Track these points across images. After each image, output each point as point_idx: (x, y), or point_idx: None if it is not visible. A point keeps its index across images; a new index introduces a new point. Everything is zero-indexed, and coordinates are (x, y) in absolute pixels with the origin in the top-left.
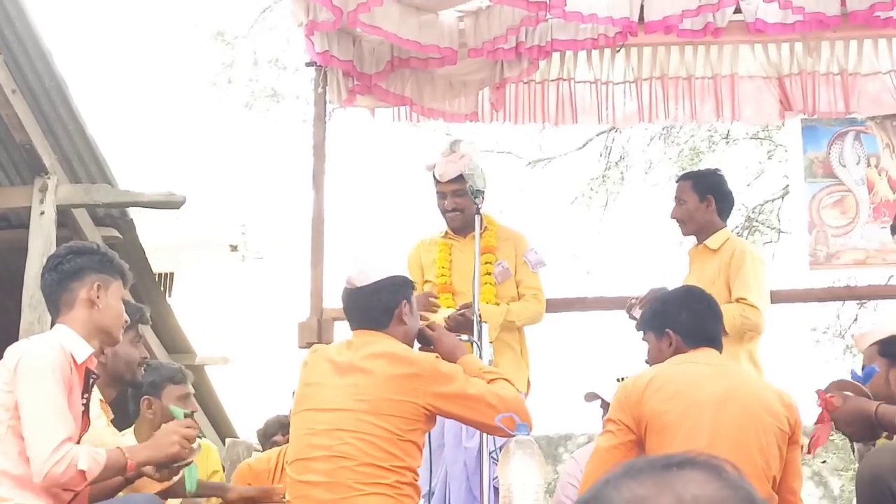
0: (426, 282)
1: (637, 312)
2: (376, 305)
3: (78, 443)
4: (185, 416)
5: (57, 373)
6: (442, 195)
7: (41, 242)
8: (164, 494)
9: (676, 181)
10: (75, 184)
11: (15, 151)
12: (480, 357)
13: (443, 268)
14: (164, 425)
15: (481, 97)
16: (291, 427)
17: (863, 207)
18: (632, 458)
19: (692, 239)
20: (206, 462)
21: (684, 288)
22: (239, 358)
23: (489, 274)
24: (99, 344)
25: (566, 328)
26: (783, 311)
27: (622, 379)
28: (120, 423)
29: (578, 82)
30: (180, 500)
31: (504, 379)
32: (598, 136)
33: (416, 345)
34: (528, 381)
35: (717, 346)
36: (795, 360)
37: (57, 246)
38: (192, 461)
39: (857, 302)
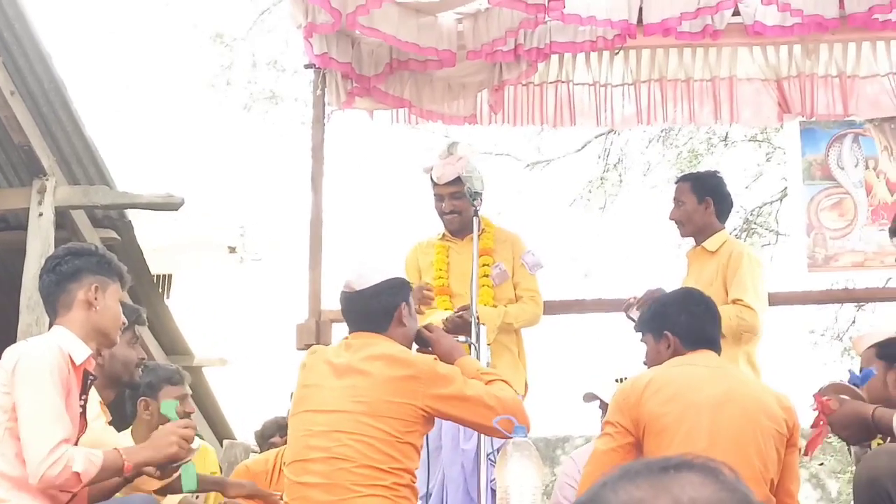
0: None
1: (634, 313)
2: (376, 308)
3: (76, 444)
4: (177, 410)
5: (55, 374)
6: (439, 197)
7: (39, 244)
8: (163, 491)
9: (675, 183)
10: (74, 185)
11: (13, 153)
12: (478, 359)
13: (440, 270)
14: (161, 426)
15: (480, 99)
16: (289, 428)
17: (861, 210)
18: (630, 461)
19: (690, 241)
20: (204, 464)
21: (683, 290)
22: (237, 359)
23: (486, 276)
24: (96, 346)
25: (564, 330)
26: (781, 313)
27: (621, 380)
28: (117, 424)
29: (577, 84)
30: (179, 496)
31: (502, 380)
32: (596, 138)
33: (414, 346)
34: (526, 383)
35: (716, 348)
36: (793, 363)
37: (55, 247)
38: (190, 460)
39: (855, 304)
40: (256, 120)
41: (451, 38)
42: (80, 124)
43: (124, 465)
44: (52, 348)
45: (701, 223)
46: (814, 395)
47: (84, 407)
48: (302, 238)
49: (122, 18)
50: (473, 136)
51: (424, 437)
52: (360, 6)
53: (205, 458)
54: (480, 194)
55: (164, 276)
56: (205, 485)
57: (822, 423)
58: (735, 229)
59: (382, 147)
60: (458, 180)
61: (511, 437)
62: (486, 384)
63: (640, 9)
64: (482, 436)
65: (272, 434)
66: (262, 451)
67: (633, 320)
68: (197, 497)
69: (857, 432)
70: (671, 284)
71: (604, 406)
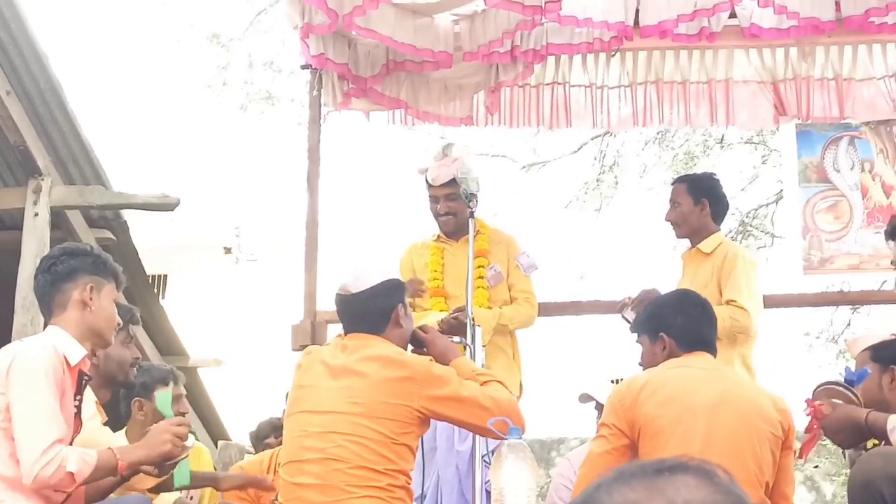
0: None
1: (629, 313)
2: (373, 310)
3: (70, 444)
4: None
5: (49, 375)
6: (434, 199)
7: (35, 244)
8: (157, 489)
9: (672, 184)
10: (69, 185)
11: (9, 153)
12: (473, 360)
13: (435, 272)
14: (155, 424)
15: (476, 101)
16: (285, 429)
17: (857, 212)
18: (624, 463)
19: (686, 243)
20: (198, 464)
21: (680, 292)
22: (232, 360)
23: (481, 278)
24: (91, 346)
25: (560, 332)
26: (776, 315)
27: (617, 381)
28: (112, 424)
29: (573, 86)
30: (174, 495)
31: (497, 381)
32: (592, 139)
33: (409, 347)
34: (521, 385)
35: (712, 350)
36: (789, 365)
37: (51, 247)
38: (185, 457)
39: (851, 307)
40: (253, 120)
41: (447, 39)
42: (75, 124)
43: (118, 464)
44: (46, 349)
45: (696, 225)
46: (806, 400)
47: (79, 407)
48: (298, 239)
49: (118, 19)
50: (470, 138)
51: (420, 438)
52: (356, 7)
53: (199, 458)
54: (476, 196)
55: (159, 276)
56: (197, 481)
57: (815, 427)
58: (731, 231)
59: (378, 148)
60: (453, 182)
61: (506, 439)
62: (481, 385)
63: (637, 11)
64: (477, 437)
65: (267, 435)
66: (256, 452)
67: (628, 320)
68: (191, 498)
69: (851, 436)
70: (666, 286)
71: (599, 407)
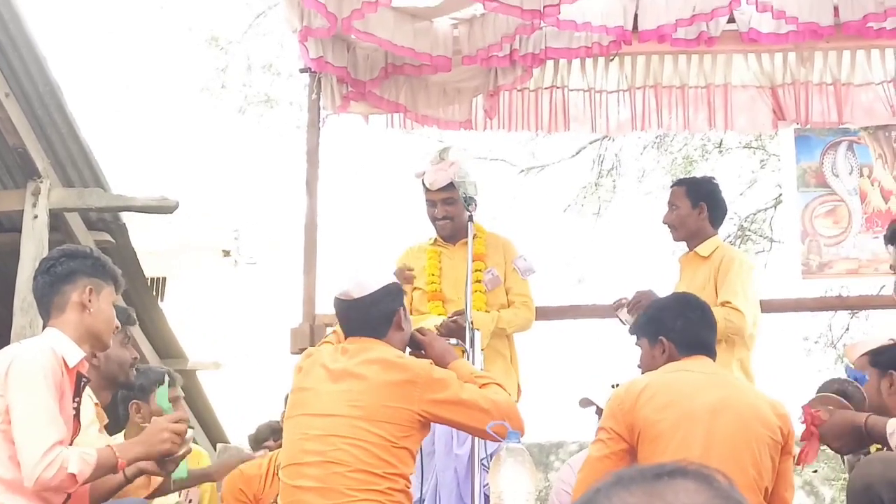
0: (416, 289)
1: (623, 313)
2: (375, 315)
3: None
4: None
5: (48, 377)
6: (432, 203)
7: (33, 246)
8: (153, 496)
9: (671, 186)
10: (68, 188)
11: (8, 155)
12: (472, 363)
13: (433, 275)
14: (154, 419)
15: (475, 104)
16: (284, 432)
17: (855, 217)
18: (623, 467)
19: (684, 247)
20: (197, 468)
21: (679, 295)
22: (230, 363)
23: (479, 282)
24: (89, 348)
25: (558, 336)
26: (775, 320)
27: (617, 385)
28: (109, 427)
29: (572, 90)
30: (172, 500)
31: (496, 383)
32: (591, 144)
33: (406, 349)
34: (519, 387)
35: (712, 354)
36: (787, 370)
37: (49, 250)
38: (185, 455)
39: (849, 312)
40: (251, 123)
41: (446, 43)
42: (74, 127)
43: (118, 462)
44: (45, 351)
45: (694, 228)
46: (803, 407)
47: (77, 409)
48: (296, 242)
49: (117, 21)
50: (468, 141)
51: (420, 442)
52: (355, 10)
53: (198, 462)
54: (475, 199)
55: (158, 279)
56: (193, 479)
57: (812, 435)
58: (729, 236)
59: (377, 152)
60: (450, 186)
61: (505, 442)
62: (479, 387)
63: (636, 15)
64: (475, 441)
65: (266, 438)
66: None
67: (622, 321)
68: (191, 501)
69: (850, 442)
70: (664, 290)
71: (600, 412)
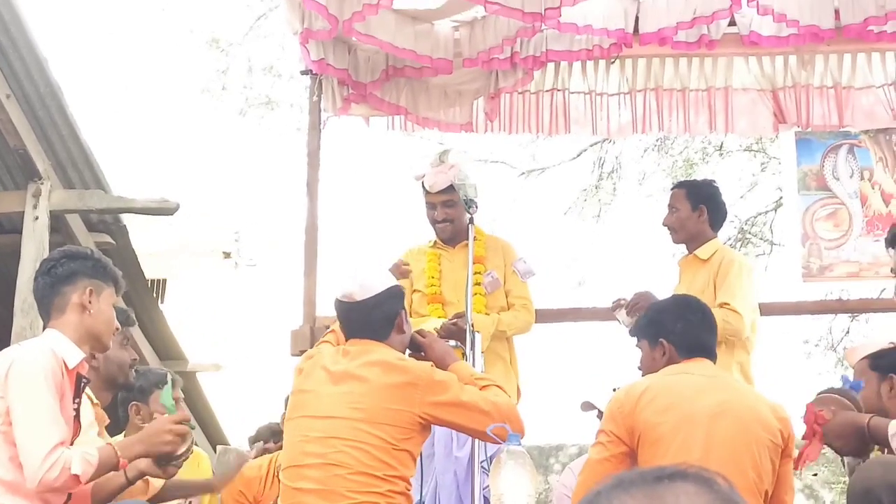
0: (415, 291)
1: (621, 314)
2: (378, 317)
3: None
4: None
5: (49, 378)
6: (431, 206)
7: (34, 247)
8: (153, 500)
9: (671, 189)
10: (69, 189)
11: (9, 156)
12: (473, 366)
13: (432, 278)
14: (156, 419)
15: (476, 107)
16: (285, 433)
17: (856, 220)
18: (623, 470)
19: (683, 249)
20: (197, 470)
21: (680, 297)
22: (231, 365)
23: (479, 284)
24: (89, 349)
25: (559, 338)
26: (775, 323)
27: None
28: (110, 428)
29: (573, 93)
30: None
31: (496, 385)
32: (591, 146)
33: (406, 351)
34: (518, 390)
35: (712, 356)
36: (787, 373)
37: (50, 251)
38: (187, 457)
39: (849, 315)
40: (252, 125)
41: (447, 45)
42: (75, 128)
43: (119, 460)
44: (45, 352)
45: (694, 230)
46: (807, 405)
47: (78, 410)
48: (297, 244)
49: (118, 23)
50: (469, 144)
51: (422, 444)
52: (356, 13)
53: (198, 464)
54: (475, 201)
55: (158, 280)
56: (194, 490)
57: (815, 434)
58: (730, 239)
59: (378, 154)
60: (450, 188)
61: (506, 444)
62: (480, 389)
63: (637, 18)
64: (475, 443)
65: (265, 440)
66: (255, 457)
67: (621, 322)
68: (190, 502)
69: (852, 442)
70: (664, 293)
71: (601, 415)
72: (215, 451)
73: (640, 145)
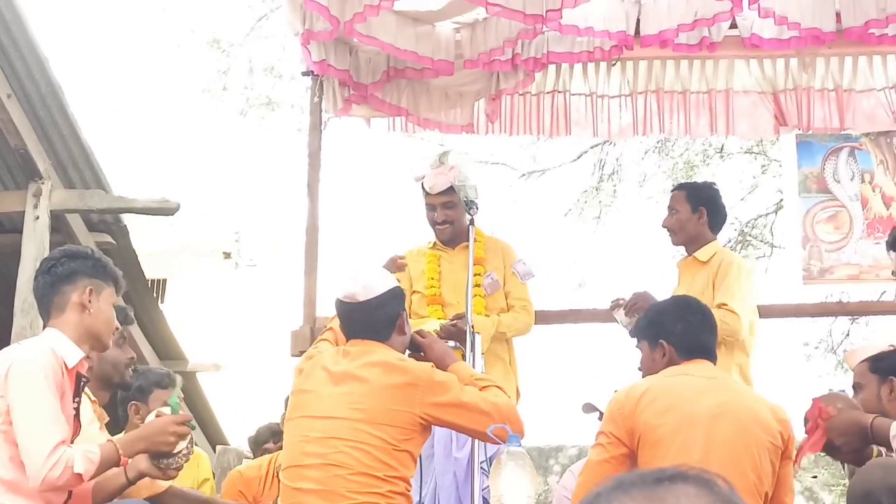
0: (415, 292)
1: (619, 314)
2: (381, 318)
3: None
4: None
5: (49, 377)
6: (431, 207)
7: (35, 247)
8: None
9: (671, 191)
10: (69, 189)
11: (9, 156)
12: (473, 367)
13: (432, 279)
14: (158, 417)
15: (477, 108)
16: (285, 433)
17: (857, 223)
18: (622, 472)
19: (682, 251)
20: (197, 470)
21: (680, 298)
22: (231, 365)
23: (478, 286)
24: (89, 349)
25: (559, 340)
26: (775, 325)
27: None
28: (110, 427)
29: (574, 95)
30: None
31: (495, 385)
32: (592, 148)
33: (406, 351)
34: (518, 391)
35: (712, 357)
36: (787, 375)
37: (50, 251)
38: (187, 459)
39: (850, 317)
40: (253, 126)
41: (448, 47)
42: (76, 128)
43: (121, 457)
44: (45, 351)
45: (693, 233)
46: (813, 399)
47: (77, 409)
48: (297, 244)
49: (119, 23)
50: (469, 145)
51: (422, 445)
52: (357, 14)
53: (198, 465)
54: (476, 203)
55: (158, 280)
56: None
57: (817, 428)
58: (730, 241)
59: (379, 155)
60: (450, 190)
61: (506, 445)
62: (479, 390)
63: (638, 20)
64: (475, 444)
65: (266, 440)
66: (255, 457)
67: (618, 321)
68: None
69: (854, 440)
70: (663, 294)
71: (602, 417)
72: (215, 451)
73: (641, 147)
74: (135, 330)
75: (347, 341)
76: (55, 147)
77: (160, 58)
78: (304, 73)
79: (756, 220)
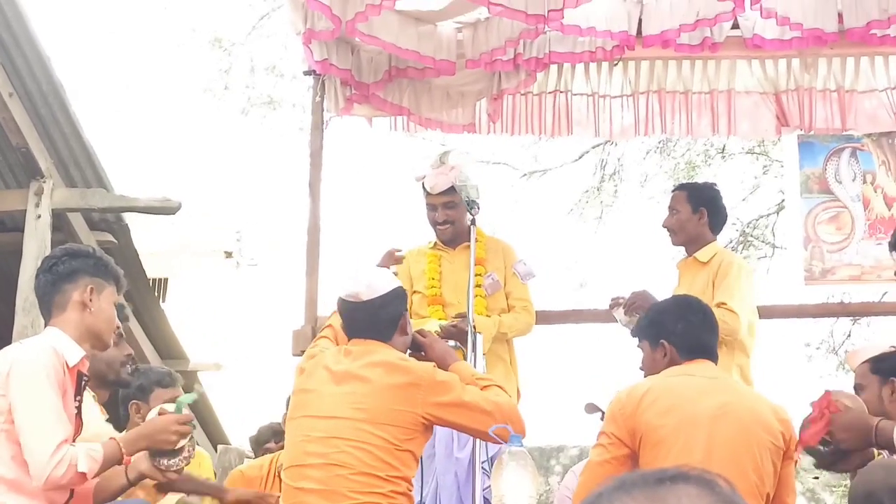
0: (415, 292)
1: (619, 312)
2: (384, 318)
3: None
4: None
5: (51, 376)
6: (432, 207)
7: (36, 246)
8: (160, 490)
9: (672, 191)
10: (71, 188)
11: (11, 155)
12: (474, 367)
13: (433, 279)
14: (161, 416)
15: (478, 108)
16: (287, 433)
17: (858, 224)
18: (623, 472)
19: (682, 251)
20: (199, 470)
21: (681, 298)
22: (232, 364)
23: (479, 286)
24: (90, 347)
25: (560, 340)
26: (777, 326)
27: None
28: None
29: (575, 95)
30: (179, 495)
31: (496, 385)
32: (593, 148)
33: (407, 351)
34: (518, 391)
35: (713, 357)
36: (789, 376)
37: (52, 250)
38: (188, 462)
39: (851, 318)
40: (254, 125)
41: (450, 46)
42: (78, 127)
43: (123, 455)
44: (46, 350)
45: (693, 233)
46: (826, 391)
47: (79, 408)
48: (299, 244)
49: (121, 22)
50: (471, 145)
51: (424, 445)
52: (359, 13)
53: (200, 464)
54: (477, 203)
55: (160, 279)
56: (203, 488)
57: (822, 417)
58: (731, 241)
59: (380, 154)
60: (451, 190)
61: (507, 445)
62: (481, 389)
63: (640, 20)
64: (476, 444)
65: (267, 440)
66: (256, 457)
67: (618, 320)
68: None
69: (857, 438)
70: (664, 294)
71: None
72: (216, 451)
73: (643, 147)
74: (136, 329)
75: (349, 340)
76: (57, 146)
77: (161, 57)
78: (306, 73)
79: (757, 220)
